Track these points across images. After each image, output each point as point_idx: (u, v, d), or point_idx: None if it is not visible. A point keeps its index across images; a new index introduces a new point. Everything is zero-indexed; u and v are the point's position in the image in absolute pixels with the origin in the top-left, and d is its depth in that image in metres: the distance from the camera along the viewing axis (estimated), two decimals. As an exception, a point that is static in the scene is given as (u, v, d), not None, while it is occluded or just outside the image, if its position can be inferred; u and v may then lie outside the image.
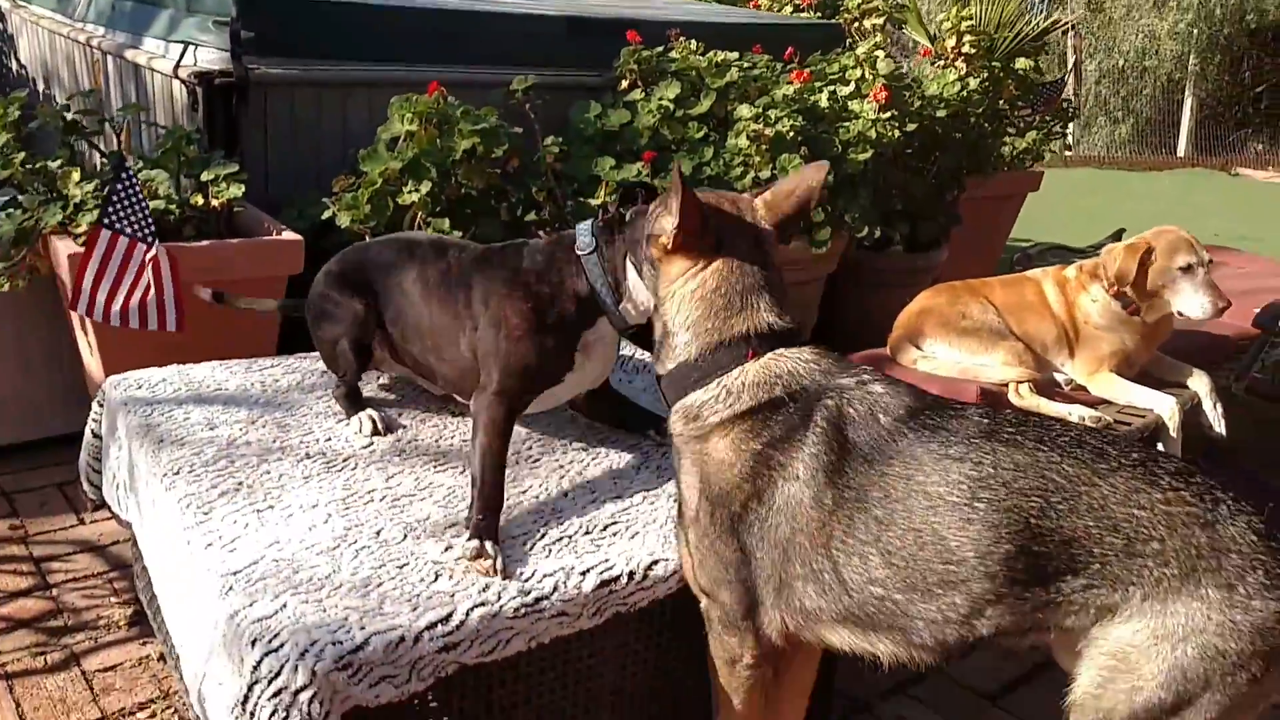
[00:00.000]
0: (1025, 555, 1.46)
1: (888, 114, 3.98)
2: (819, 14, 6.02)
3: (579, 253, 2.06)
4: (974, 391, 3.22)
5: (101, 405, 2.46)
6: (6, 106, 2.76)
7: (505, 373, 2.05)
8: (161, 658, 2.43)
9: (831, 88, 4.09)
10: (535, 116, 3.57)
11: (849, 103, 4.11)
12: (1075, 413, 3.18)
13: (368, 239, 3.04)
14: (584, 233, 2.07)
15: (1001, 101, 4.70)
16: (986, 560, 1.47)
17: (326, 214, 3.09)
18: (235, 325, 2.86)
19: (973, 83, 4.42)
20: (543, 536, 1.92)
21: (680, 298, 1.69)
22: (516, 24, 4.13)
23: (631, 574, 1.82)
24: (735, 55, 4.04)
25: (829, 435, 1.55)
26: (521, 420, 2.16)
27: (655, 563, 1.85)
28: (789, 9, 6.70)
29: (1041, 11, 12.50)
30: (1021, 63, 4.80)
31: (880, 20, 5.18)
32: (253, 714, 1.57)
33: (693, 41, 4.10)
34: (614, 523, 1.98)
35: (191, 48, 3.40)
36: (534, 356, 2.05)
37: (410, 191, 3.03)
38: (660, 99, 3.86)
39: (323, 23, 3.54)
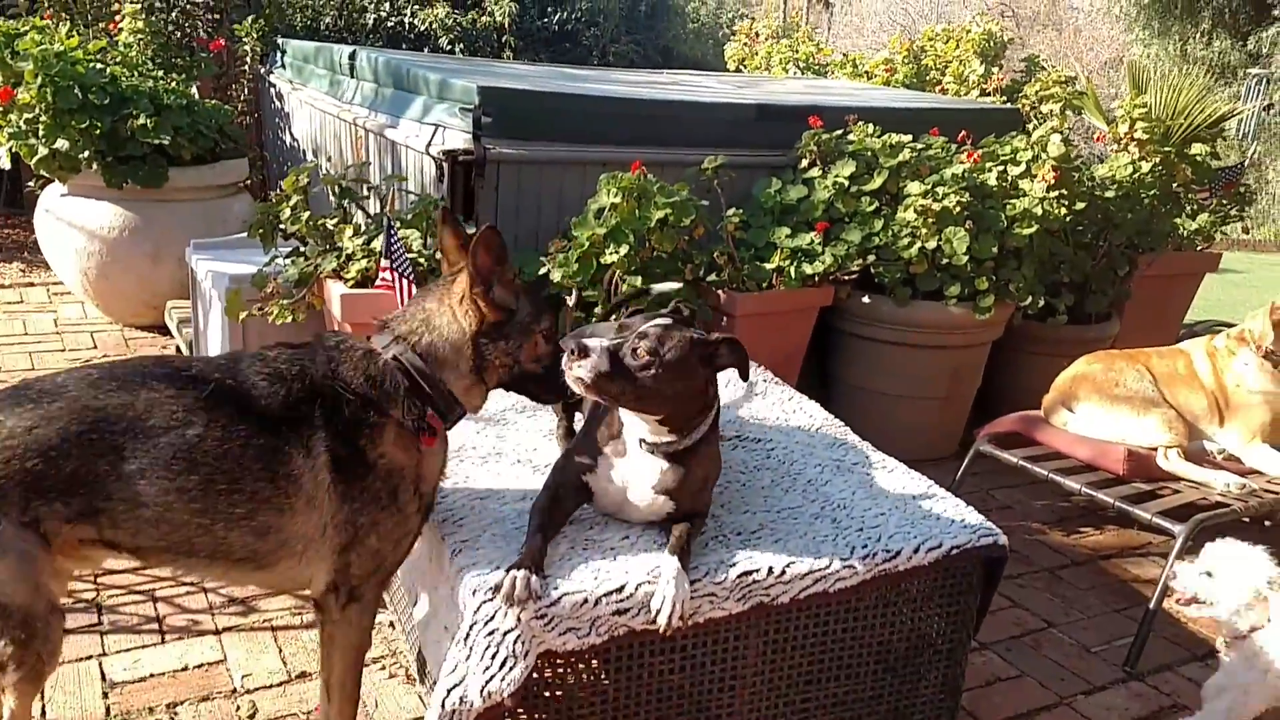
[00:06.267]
0: None
1: (1055, 193, 4.23)
2: (1004, 99, 6.29)
3: None
4: (1122, 453, 3.43)
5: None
6: (299, 175, 3.47)
7: None
8: (391, 624, 2.98)
9: (1002, 168, 4.39)
10: (721, 191, 4.07)
11: (1019, 182, 4.40)
12: (1220, 479, 3.33)
13: (574, 293, 3.60)
14: None
15: (1175, 184, 4.84)
16: None
17: (543, 270, 3.66)
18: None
19: (1145, 166, 4.60)
20: (704, 534, 2.33)
21: None
22: (710, 111, 4.65)
23: (771, 569, 2.21)
24: (909, 138, 4.40)
25: None
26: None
27: (793, 563, 2.24)
28: (975, 94, 6.99)
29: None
30: (1197, 148, 4.93)
31: (1058, 106, 5.39)
32: (471, 647, 2.05)
33: (870, 125, 4.50)
34: (761, 528, 2.37)
35: (441, 129, 4.08)
36: None
37: (611, 253, 3.56)
38: (836, 176, 4.26)
39: (546, 111, 4.17)
